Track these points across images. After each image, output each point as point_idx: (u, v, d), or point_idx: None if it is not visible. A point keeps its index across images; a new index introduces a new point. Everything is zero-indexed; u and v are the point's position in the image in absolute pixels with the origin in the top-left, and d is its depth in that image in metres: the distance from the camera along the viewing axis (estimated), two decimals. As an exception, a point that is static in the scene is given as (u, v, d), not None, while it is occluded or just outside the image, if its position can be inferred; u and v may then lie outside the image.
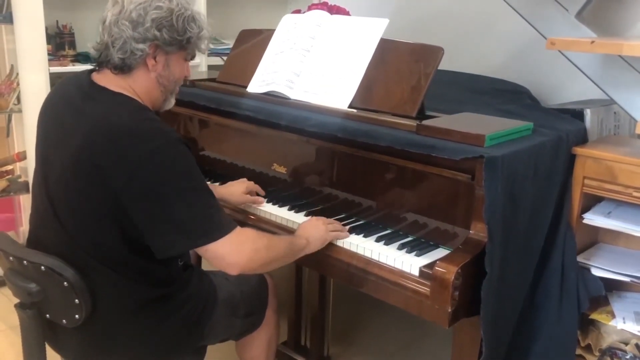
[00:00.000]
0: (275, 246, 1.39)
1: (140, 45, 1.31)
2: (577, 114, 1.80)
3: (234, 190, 1.74)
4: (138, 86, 1.36)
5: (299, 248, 1.46)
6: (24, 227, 2.87)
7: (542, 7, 2.23)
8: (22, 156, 2.71)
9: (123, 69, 1.34)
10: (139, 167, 1.23)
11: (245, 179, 1.81)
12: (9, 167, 2.80)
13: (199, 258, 2.02)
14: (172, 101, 1.48)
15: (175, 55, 1.39)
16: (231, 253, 1.29)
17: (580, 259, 1.64)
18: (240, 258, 1.29)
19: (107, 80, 1.36)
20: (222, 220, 1.30)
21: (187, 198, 1.26)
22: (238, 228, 1.31)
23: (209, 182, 1.58)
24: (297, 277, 2.10)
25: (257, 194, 1.79)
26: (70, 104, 1.35)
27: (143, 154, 1.23)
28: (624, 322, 1.59)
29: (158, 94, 1.41)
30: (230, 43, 2.90)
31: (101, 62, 1.36)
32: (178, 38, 1.36)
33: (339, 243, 1.52)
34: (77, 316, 1.31)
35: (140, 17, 1.31)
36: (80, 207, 1.30)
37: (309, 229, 1.52)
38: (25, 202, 2.82)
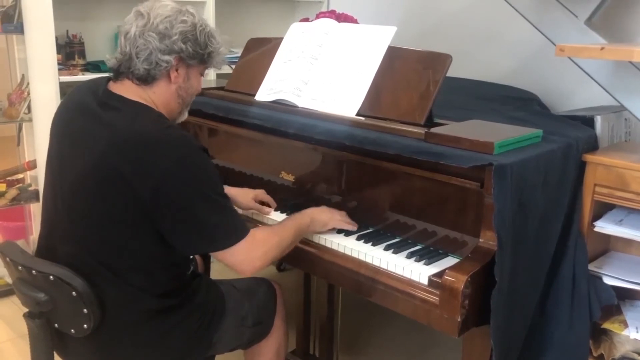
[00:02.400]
0: (284, 240, 1.45)
1: (166, 57, 1.35)
2: (587, 121, 1.78)
3: (244, 194, 1.76)
4: (157, 97, 1.39)
5: (304, 227, 1.52)
6: (34, 236, 2.88)
7: (551, 13, 2.23)
8: (32, 165, 2.73)
9: (147, 79, 1.36)
10: (166, 175, 1.25)
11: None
12: (20, 176, 2.82)
13: (207, 266, 2.02)
14: (186, 114, 1.51)
15: (195, 68, 1.43)
16: (244, 261, 1.36)
17: (591, 267, 1.62)
18: (253, 265, 1.37)
19: (124, 89, 1.37)
20: (239, 224, 1.36)
21: (211, 204, 1.31)
22: (251, 231, 1.36)
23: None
24: (306, 285, 2.10)
25: (267, 205, 1.78)
26: (87, 111, 1.36)
27: (169, 162, 1.25)
28: (637, 332, 1.57)
29: (175, 106, 1.44)
30: (238, 51, 2.90)
31: (121, 72, 1.37)
32: (200, 52, 1.40)
33: (347, 251, 1.52)
34: (85, 326, 1.31)
35: (167, 29, 1.34)
36: (98, 213, 1.30)
37: (315, 210, 1.58)
38: (35, 210, 2.84)
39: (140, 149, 1.26)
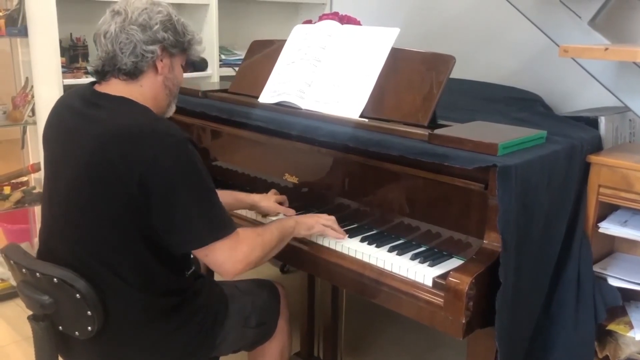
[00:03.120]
0: (268, 242, 1.43)
1: (151, 47, 1.36)
2: (591, 122, 1.78)
3: (267, 199, 1.75)
4: (145, 91, 1.40)
5: (289, 230, 1.51)
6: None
7: (554, 14, 2.22)
8: (36, 167, 2.73)
9: (134, 73, 1.37)
10: (151, 164, 1.25)
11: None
12: (24, 179, 2.83)
13: (210, 268, 2.02)
14: (174, 107, 1.52)
15: (177, 58, 1.45)
16: (227, 261, 1.34)
17: (596, 268, 1.62)
18: (235, 267, 1.34)
19: (110, 87, 1.38)
20: (225, 220, 1.34)
21: (197, 195, 1.30)
22: (238, 230, 1.35)
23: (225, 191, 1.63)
24: (310, 287, 2.10)
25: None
26: (76, 112, 1.38)
27: (155, 151, 1.25)
28: (642, 333, 1.56)
29: (164, 98, 1.45)
30: (241, 54, 2.92)
31: (107, 71, 1.38)
32: (180, 40, 1.42)
33: (351, 253, 1.52)
34: (89, 328, 1.31)
35: (146, 21, 1.36)
36: (94, 212, 1.31)
37: (301, 215, 1.58)
38: (39, 213, 2.84)
39: (127, 140, 1.27)
